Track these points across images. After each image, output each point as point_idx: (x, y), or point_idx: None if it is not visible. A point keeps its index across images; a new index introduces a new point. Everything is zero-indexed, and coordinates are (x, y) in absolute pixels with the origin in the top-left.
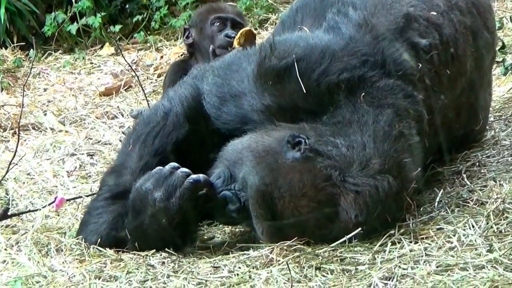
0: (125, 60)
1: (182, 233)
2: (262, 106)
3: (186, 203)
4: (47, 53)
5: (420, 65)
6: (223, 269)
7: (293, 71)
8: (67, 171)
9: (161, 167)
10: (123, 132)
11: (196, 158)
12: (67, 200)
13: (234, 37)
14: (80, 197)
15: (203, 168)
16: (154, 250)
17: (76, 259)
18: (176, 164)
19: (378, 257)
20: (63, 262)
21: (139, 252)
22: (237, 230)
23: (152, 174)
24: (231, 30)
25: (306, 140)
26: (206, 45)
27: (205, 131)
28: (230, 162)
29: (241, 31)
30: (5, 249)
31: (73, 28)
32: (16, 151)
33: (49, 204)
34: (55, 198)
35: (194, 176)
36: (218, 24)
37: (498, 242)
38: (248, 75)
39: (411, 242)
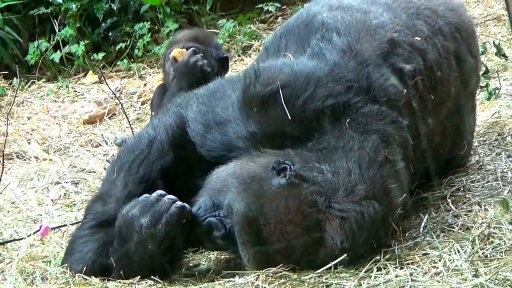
0: (109, 88)
1: (168, 259)
2: (247, 133)
3: (173, 229)
4: (30, 82)
5: (405, 90)
6: None
7: (278, 97)
8: (52, 200)
9: (147, 195)
10: (107, 160)
11: (182, 186)
12: (52, 228)
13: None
14: (65, 225)
15: (189, 195)
16: (140, 277)
17: (62, 287)
18: (162, 192)
19: (363, 283)
20: None
21: (124, 280)
22: (222, 257)
23: (138, 201)
24: None
25: (292, 166)
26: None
27: (190, 158)
28: (215, 191)
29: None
30: None
31: (56, 56)
32: (0, 180)
33: (34, 233)
34: (40, 227)
35: (180, 202)
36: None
37: (484, 267)
38: (233, 102)
39: (396, 267)
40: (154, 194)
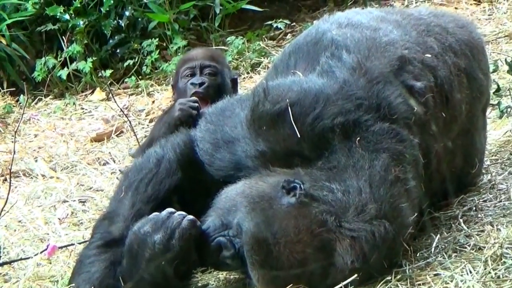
0: (117, 105)
1: (180, 277)
2: (256, 152)
3: (186, 244)
4: (37, 99)
5: (416, 108)
6: None
7: (287, 116)
8: (59, 218)
9: (157, 213)
10: (117, 178)
11: (190, 205)
12: (59, 247)
13: (199, 84)
14: (72, 244)
15: (197, 215)
16: None
17: None
18: (172, 209)
19: None
20: None
21: None
22: (232, 277)
23: (149, 218)
24: (199, 75)
25: (301, 185)
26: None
27: (198, 178)
28: (224, 210)
29: None
30: None
31: (63, 73)
32: (7, 198)
33: (41, 252)
34: (47, 246)
35: (190, 216)
36: (187, 75)
37: None
38: (241, 121)
39: None
40: (164, 212)
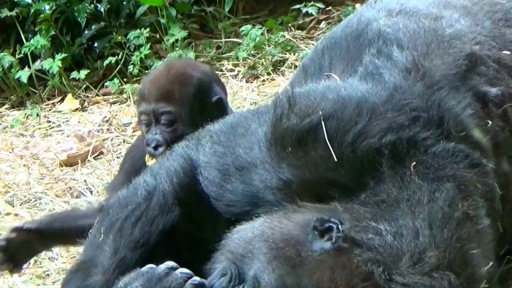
0: (94, 117)
1: None
2: (278, 181)
3: None
4: None
5: (490, 122)
6: None
7: (320, 133)
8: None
9: (153, 266)
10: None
11: (191, 252)
12: None
13: (154, 147)
14: None
15: (200, 263)
16: None
17: None
18: (173, 264)
19: None
20: None
21: None
22: None
23: (141, 272)
24: (154, 126)
25: (339, 226)
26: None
27: (202, 216)
28: (237, 256)
29: None
30: None
31: (23, 74)
32: None
33: None
34: None
35: (197, 278)
36: (143, 122)
37: None
38: (259, 141)
39: None
40: (163, 267)
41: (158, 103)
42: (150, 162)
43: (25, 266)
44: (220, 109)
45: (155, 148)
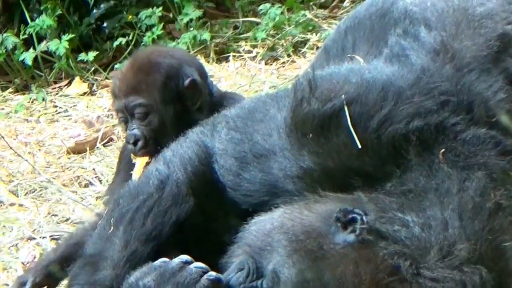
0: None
1: None
2: (299, 169)
3: None
4: None
5: None
6: None
7: (343, 118)
8: (23, 263)
9: (166, 259)
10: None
11: (205, 244)
12: None
13: (133, 143)
14: None
15: (216, 256)
16: None
17: None
18: (188, 258)
19: None
20: None
21: None
22: None
23: (154, 266)
24: (131, 123)
25: (363, 217)
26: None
27: (217, 206)
28: (255, 249)
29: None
30: None
31: (28, 56)
32: None
33: None
34: None
35: (213, 273)
36: (120, 120)
37: None
38: (278, 126)
39: None
40: (176, 260)
41: (128, 97)
42: (135, 159)
43: (29, 260)
44: (196, 91)
45: (134, 144)
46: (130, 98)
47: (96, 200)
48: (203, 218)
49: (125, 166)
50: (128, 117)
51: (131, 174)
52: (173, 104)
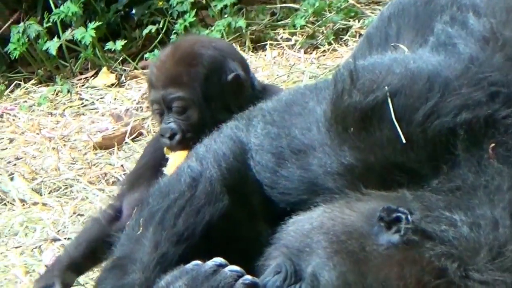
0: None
1: None
2: (339, 165)
3: None
4: (13, 85)
5: None
6: None
7: (386, 111)
8: (46, 266)
9: (198, 262)
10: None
11: (240, 246)
12: None
13: (169, 137)
14: None
15: (249, 260)
16: None
17: None
18: (222, 260)
19: None
20: None
21: None
22: None
23: (185, 270)
24: (167, 114)
25: (408, 216)
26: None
27: (253, 205)
28: (293, 251)
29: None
30: None
31: (52, 45)
32: None
33: None
34: None
35: (249, 277)
36: (155, 112)
37: None
38: (317, 120)
39: None
40: (210, 263)
41: (166, 89)
42: (169, 154)
43: None
44: (240, 87)
45: (170, 138)
46: (169, 90)
47: None
48: (239, 218)
49: (149, 161)
50: (165, 110)
51: (160, 169)
52: (214, 100)
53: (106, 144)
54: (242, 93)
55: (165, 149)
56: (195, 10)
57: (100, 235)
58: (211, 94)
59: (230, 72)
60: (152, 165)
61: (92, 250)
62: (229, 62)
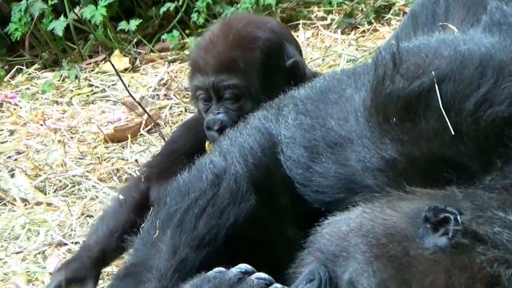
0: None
1: None
2: (380, 160)
3: None
4: (14, 69)
5: None
6: None
7: (433, 99)
8: (51, 274)
9: (222, 269)
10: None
11: (267, 251)
12: None
13: (217, 130)
14: None
15: (278, 267)
16: None
17: None
18: (248, 267)
19: None
20: None
21: None
22: None
23: (207, 278)
24: (216, 104)
25: (458, 217)
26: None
27: (283, 205)
28: (328, 255)
29: None
30: None
31: (58, 25)
32: None
33: None
34: None
35: (278, 285)
36: (201, 99)
37: None
38: (356, 109)
39: None
40: (235, 270)
41: (218, 75)
42: (209, 149)
43: None
44: (297, 75)
45: (220, 130)
46: (222, 77)
47: None
48: (268, 219)
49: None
50: (214, 98)
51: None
52: (271, 88)
53: (118, 137)
54: (299, 81)
55: (207, 143)
56: None
57: (127, 223)
58: (268, 82)
59: (288, 57)
60: (189, 153)
61: (123, 240)
62: (287, 47)
